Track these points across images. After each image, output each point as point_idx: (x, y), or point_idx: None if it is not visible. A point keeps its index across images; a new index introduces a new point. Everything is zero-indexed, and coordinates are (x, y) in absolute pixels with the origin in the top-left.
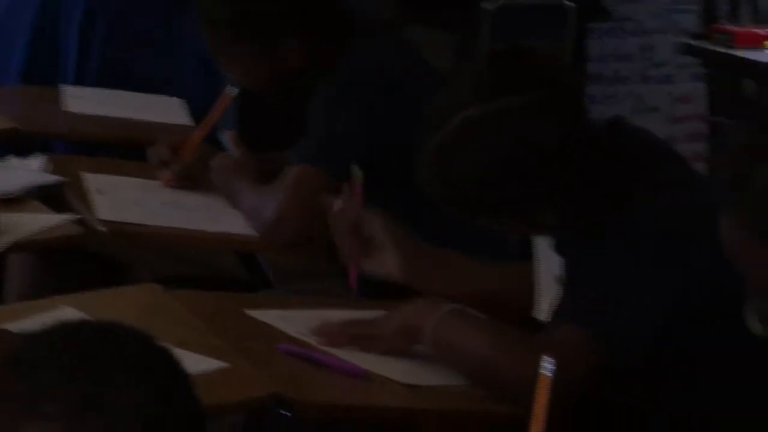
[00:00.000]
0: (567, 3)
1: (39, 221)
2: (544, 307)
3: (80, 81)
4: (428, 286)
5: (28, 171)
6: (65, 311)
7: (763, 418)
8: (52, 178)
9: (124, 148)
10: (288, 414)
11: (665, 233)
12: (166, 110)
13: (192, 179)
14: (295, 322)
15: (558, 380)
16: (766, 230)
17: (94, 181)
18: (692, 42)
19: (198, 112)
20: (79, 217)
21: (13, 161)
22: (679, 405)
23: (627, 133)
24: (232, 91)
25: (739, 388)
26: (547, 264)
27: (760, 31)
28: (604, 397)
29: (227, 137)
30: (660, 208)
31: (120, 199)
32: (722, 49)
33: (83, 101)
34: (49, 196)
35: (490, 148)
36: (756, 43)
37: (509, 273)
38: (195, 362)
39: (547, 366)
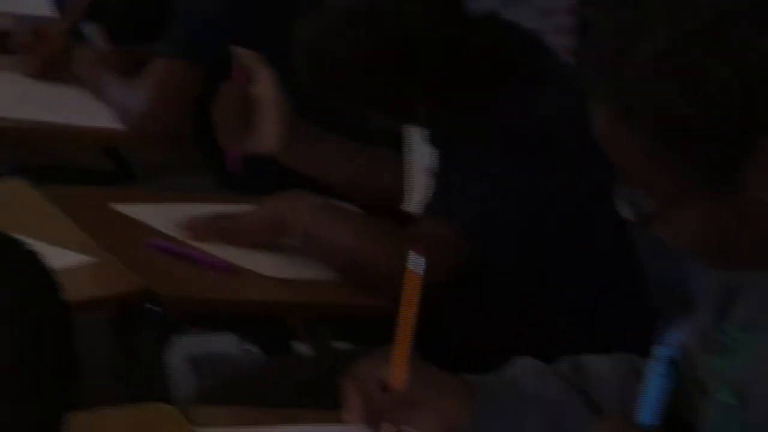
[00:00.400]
0: None
1: None
2: (414, 199)
3: None
4: (304, 164)
5: None
6: None
7: (631, 313)
8: None
9: None
10: (156, 309)
11: (539, 128)
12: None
13: (56, 70)
14: (161, 216)
15: (425, 273)
16: (636, 116)
17: None
18: None
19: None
20: None
21: None
22: (548, 302)
23: (502, 27)
24: None
25: (608, 283)
26: (419, 156)
27: None
28: (471, 295)
29: (92, 29)
30: (535, 103)
31: None
32: None
33: None
34: None
35: (366, 36)
36: None
37: (386, 161)
38: (60, 257)
39: (416, 261)
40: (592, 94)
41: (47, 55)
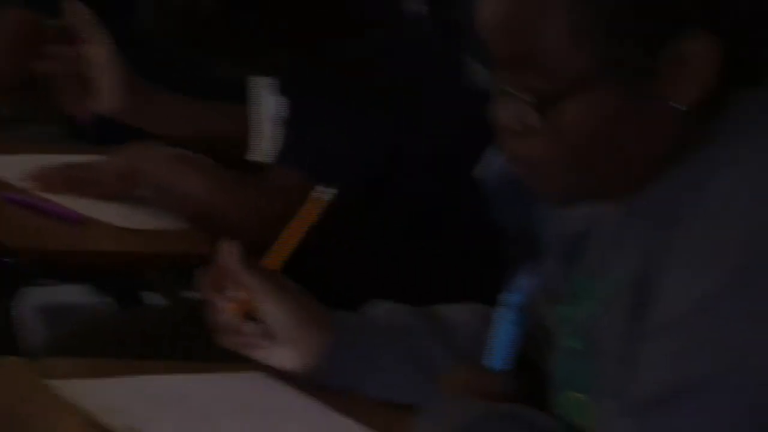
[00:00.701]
0: None
1: None
2: (263, 149)
3: None
4: (146, 124)
5: None
6: None
7: (481, 261)
8: None
9: None
10: (7, 260)
11: (387, 76)
12: None
13: None
14: (11, 167)
15: (280, 222)
16: None
17: None
18: None
19: None
20: None
21: None
22: (398, 250)
23: None
24: None
25: (457, 228)
26: (269, 106)
27: None
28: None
29: None
30: (383, 50)
31: None
32: None
33: None
34: None
35: None
36: None
37: (228, 113)
38: None
39: (325, 189)
40: None
41: None
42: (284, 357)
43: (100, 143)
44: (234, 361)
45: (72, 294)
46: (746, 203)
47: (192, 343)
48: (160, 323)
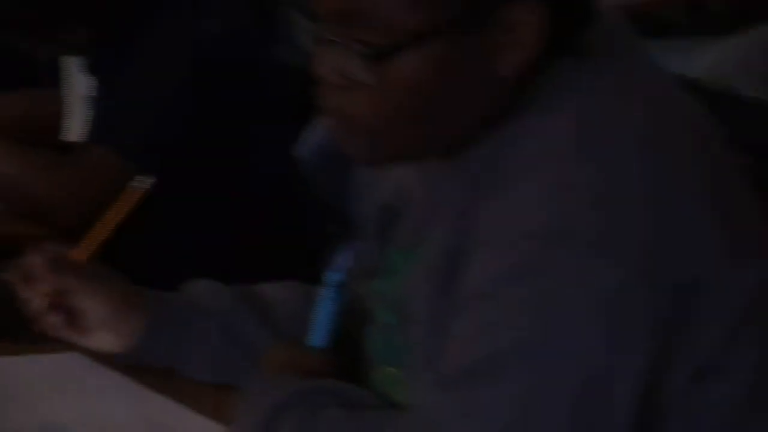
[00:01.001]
0: None
1: None
2: (73, 129)
3: None
4: None
5: None
6: None
7: (301, 240)
8: None
9: None
10: None
11: (194, 49)
12: None
13: None
14: None
15: (94, 201)
16: None
17: None
18: None
19: None
20: None
21: None
22: (215, 225)
23: None
24: None
25: (273, 208)
26: (78, 86)
27: None
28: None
29: None
30: (189, 24)
31: None
32: None
33: None
34: None
35: None
36: None
37: (32, 99)
38: None
39: (143, 179)
40: None
41: None
42: (101, 340)
43: None
44: (50, 341)
45: None
46: (554, 174)
47: (6, 324)
48: None
